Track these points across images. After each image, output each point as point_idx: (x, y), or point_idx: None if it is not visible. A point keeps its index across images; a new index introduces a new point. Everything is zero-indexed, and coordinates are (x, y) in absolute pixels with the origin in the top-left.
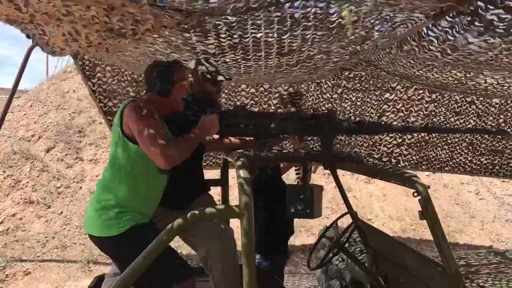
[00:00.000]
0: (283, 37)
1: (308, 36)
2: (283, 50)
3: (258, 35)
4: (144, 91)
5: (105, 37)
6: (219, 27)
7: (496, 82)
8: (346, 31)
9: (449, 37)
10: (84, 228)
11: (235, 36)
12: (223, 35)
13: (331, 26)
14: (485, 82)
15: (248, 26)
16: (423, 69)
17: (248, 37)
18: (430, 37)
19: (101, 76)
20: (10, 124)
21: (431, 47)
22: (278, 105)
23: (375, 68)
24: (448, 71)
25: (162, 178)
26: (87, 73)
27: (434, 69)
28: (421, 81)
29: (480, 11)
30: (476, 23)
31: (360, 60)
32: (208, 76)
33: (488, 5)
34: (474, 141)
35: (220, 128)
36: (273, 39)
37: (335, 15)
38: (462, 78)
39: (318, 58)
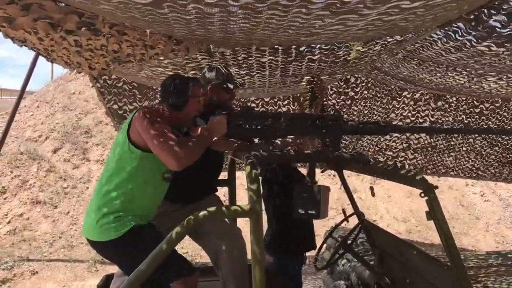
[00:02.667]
0: (288, 66)
1: (313, 66)
2: (287, 73)
3: (263, 60)
4: (158, 100)
5: (110, 63)
6: (225, 51)
7: (500, 87)
8: (351, 58)
9: (452, 39)
10: (82, 232)
11: (239, 58)
12: (227, 56)
13: (336, 60)
14: (489, 86)
15: (253, 51)
16: (427, 74)
17: (252, 59)
18: (434, 38)
19: (107, 79)
20: (17, 124)
21: (434, 47)
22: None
23: (378, 72)
24: (451, 77)
25: (164, 185)
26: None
27: (438, 74)
28: (425, 85)
29: (483, 16)
30: (479, 28)
31: (364, 65)
32: (222, 83)
33: (491, 11)
34: (483, 152)
35: (228, 129)
36: (277, 65)
37: (341, 52)
38: (466, 83)
39: (324, 78)
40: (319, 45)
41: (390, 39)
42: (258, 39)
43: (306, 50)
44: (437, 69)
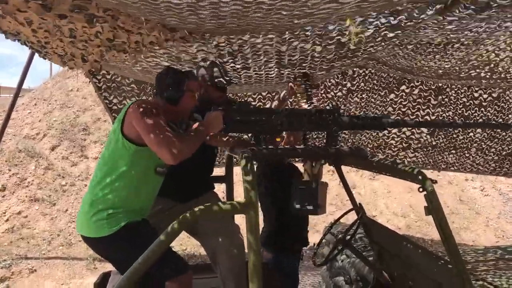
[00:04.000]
0: (282, 49)
1: (307, 49)
2: (282, 61)
3: (258, 41)
4: (153, 94)
5: (105, 52)
6: (219, 42)
7: (500, 52)
8: (348, 43)
9: (451, 15)
10: (76, 228)
11: (234, 48)
12: (222, 44)
13: (330, 42)
14: (488, 58)
15: (248, 39)
16: (424, 60)
17: (247, 47)
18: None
19: (106, 73)
20: (15, 122)
21: (430, 24)
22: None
23: (376, 62)
24: (450, 54)
25: (157, 179)
26: (92, 69)
27: (436, 56)
28: (424, 73)
29: None
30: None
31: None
32: (213, 80)
33: None
34: (484, 146)
35: (224, 124)
36: (271, 47)
37: (334, 32)
38: (465, 56)
39: (320, 74)
40: (313, 29)
41: (384, 21)
42: (252, 23)
43: (300, 32)
44: (434, 50)
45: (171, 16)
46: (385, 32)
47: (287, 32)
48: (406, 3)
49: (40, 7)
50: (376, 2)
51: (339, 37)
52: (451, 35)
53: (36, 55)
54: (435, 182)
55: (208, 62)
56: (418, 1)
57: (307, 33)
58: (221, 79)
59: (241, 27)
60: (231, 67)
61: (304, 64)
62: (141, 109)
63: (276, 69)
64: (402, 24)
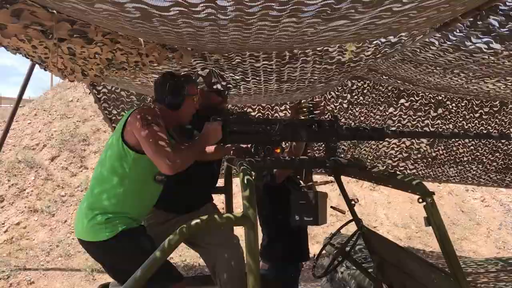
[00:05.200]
0: (282, 68)
1: (308, 68)
2: (282, 78)
3: (257, 65)
4: (152, 100)
5: (104, 70)
6: (219, 58)
7: (498, 88)
8: (346, 60)
9: (450, 38)
10: (75, 233)
11: (233, 63)
12: (221, 62)
13: (330, 61)
14: (487, 88)
15: (247, 57)
16: (424, 75)
17: (246, 64)
18: (431, 39)
19: (106, 84)
20: (14, 133)
21: (432, 47)
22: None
23: (376, 73)
24: (449, 78)
25: (157, 187)
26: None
27: (435, 76)
28: (423, 84)
29: (480, 18)
30: (478, 24)
31: (360, 70)
32: (212, 86)
33: (489, 12)
34: (485, 160)
35: (223, 136)
36: (271, 69)
37: (335, 52)
38: (464, 83)
39: (319, 86)
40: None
41: (384, 40)
42: (251, 48)
43: (300, 52)
44: (434, 71)
45: (170, 40)
46: (385, 49)
47: (287, 56)
48: (405, 29)
49: (40, 33)
50: (375, 29)
51: (339, 57)
52: (453, 63)
53: (37, 66)
54: (433, 193)
55: (206, 70)
56: (417, 28)
57: (306, 51)
58: (220, 84)
59: (241, 50)
60: (231, 77)
61: (304, 79)
62: (141, 118)
63: (276, 84)
64: (402, 41)
